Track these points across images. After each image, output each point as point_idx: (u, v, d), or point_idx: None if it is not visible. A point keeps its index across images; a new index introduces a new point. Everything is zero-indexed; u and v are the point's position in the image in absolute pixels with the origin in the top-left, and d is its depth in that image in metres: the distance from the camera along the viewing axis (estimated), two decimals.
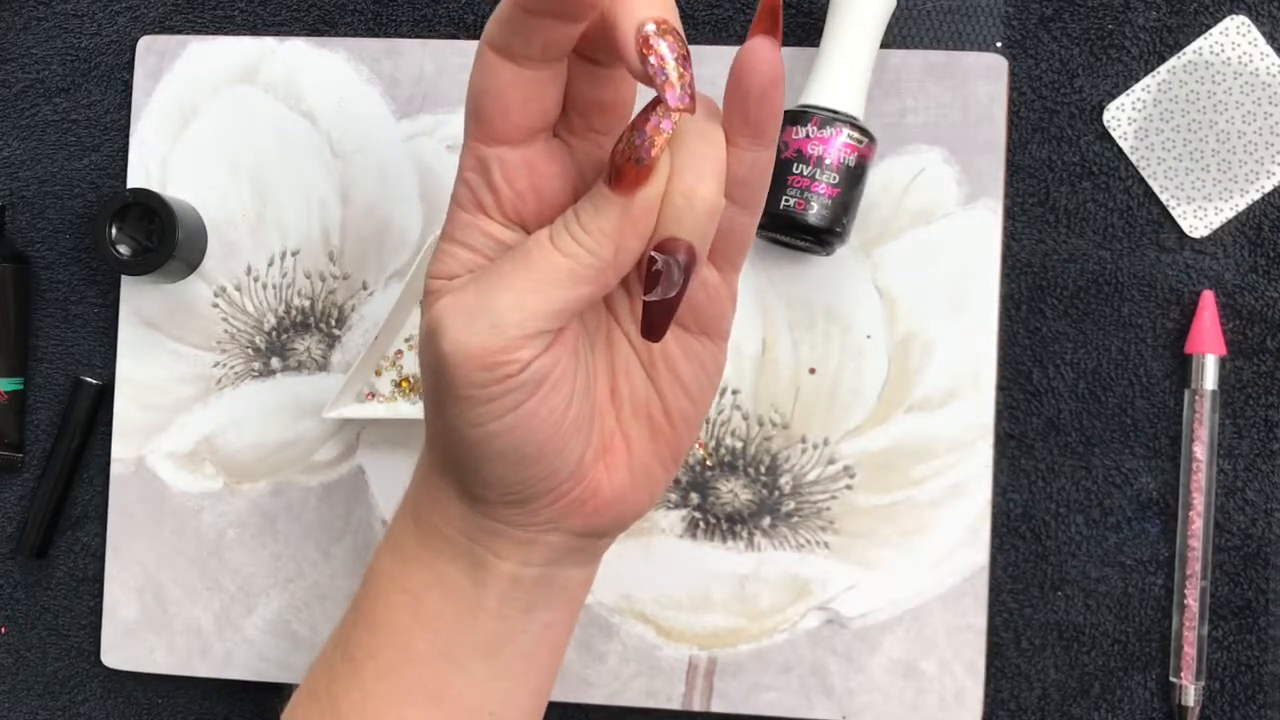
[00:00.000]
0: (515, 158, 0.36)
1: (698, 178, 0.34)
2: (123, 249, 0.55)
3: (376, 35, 0.58)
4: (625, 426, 0.40)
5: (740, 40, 0.56)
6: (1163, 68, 0.55)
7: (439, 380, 0.36)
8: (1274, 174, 0.54)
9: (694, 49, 0.56)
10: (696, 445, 0.55)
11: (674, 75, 0.32)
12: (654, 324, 0.35)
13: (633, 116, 0.35)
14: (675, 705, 0.55)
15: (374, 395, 0.56)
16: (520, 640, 0.41)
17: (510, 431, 0.36)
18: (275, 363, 0.57)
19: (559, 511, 0.39)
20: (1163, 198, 0.55)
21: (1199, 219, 0.54)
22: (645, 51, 0.33)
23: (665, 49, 0.32)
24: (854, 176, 0.51)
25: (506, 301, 0.35)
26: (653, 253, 0.34)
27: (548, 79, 0.35)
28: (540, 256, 0.35)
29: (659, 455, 0.40)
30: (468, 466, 0.38)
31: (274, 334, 0.57)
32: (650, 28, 0.33)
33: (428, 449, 0.41)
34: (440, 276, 0.37)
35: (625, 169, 0.34)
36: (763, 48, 0.33)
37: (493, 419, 0.36)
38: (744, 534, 0.55)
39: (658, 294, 0.35)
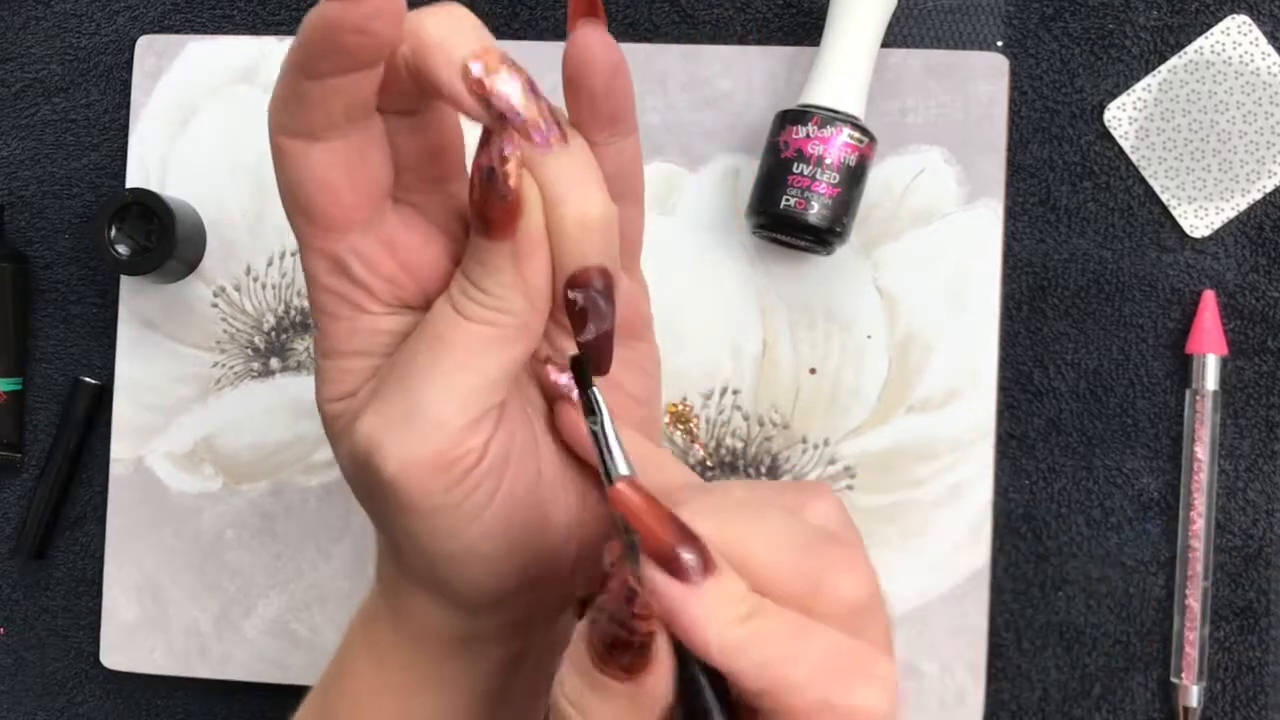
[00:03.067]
0: (370, 243, 0.31)
1: (581, 197, 0.30)
2: (122, 249, 0.55)
3: None
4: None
5: (739, 40, 0.56)
6: (1163, 67, 0.55)
7: (392, 511, 0.32)
8: (1275, 174, 0.54)
9: (693, 48, 0.56)
10: (697, 445, 0.55)
11: (530, 113, 0.29)
12: (600, 359, 0.32)
13: (463, 145, 0.32)
14: None
15: None
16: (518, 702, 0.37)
17: (492, 529, 0.32)
18: (275, 363, 0.57)
19: (566, 579, 0.35)
20: (1163, 197, 0.55)
21: (1200, 219, 0.54)
22: (482, 94, 0.29)
23: (504, 85, 0.29)
24: (854, 176, 0.51)
25: (438, 393, 0.30)
26: (570, 293, 0.31)
27: (367, 141, 0.30)
28: (453, 333, 0.31)
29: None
30: (452, 579, 0.33)
31: (273, 334, 0.57)
32: (475, 67, 0.28)
33: (392, 564, 0.35)
34: (338, 398, 0.33)
35: (492, 213, 0.30)
36: (592, 37, 0.30)
37: (471, 520, 0.32)
38: None
39: (591, 331, 0.31)
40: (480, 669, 0.36)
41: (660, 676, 0.27)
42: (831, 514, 0.31)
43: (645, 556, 0.27)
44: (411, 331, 0.32)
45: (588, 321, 0.31)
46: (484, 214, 0.30)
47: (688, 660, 0.28)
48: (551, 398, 0.35)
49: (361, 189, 0.31)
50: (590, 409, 0.31)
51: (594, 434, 0.30)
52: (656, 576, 0.27)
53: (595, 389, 0.31)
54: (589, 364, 0.32)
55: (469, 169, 0.31)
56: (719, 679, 0.28)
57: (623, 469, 0.30)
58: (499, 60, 0.29)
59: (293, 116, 0.29)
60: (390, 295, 0.32)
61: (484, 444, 0.31)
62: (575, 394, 0.33)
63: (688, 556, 0.27)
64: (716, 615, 0.27)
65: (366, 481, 0.32)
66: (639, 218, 0.35)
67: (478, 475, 0.31)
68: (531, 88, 0.29)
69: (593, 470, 0.35)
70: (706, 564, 0.27)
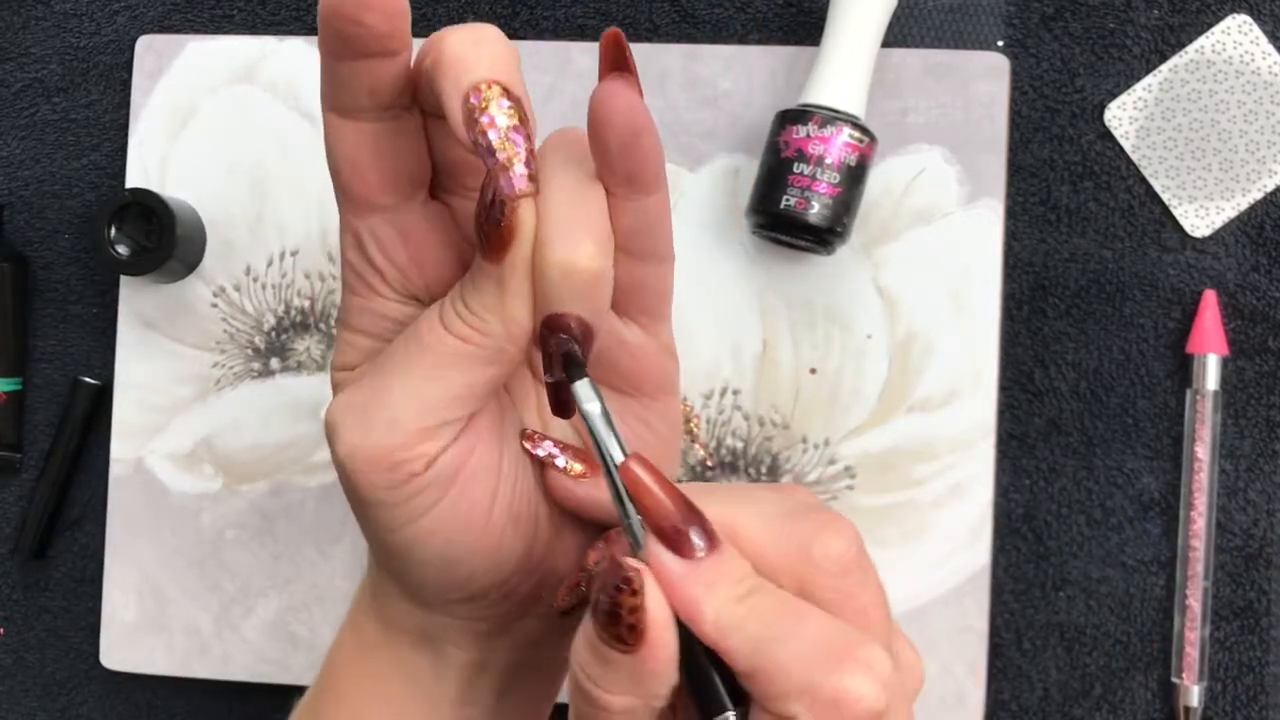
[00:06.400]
0: (389, 229, 0.32)
1: (571, 247, 0.29)
2: (121, 249, 0.55)
3: None
4: None
5: (739, 40, 0.56)
6: (1164, 67, 0.55)
7: (345, 485, 0.33)
8: (1275, 173, 0.54)
9: (693, 48, 0.56)
10: (697, 446, 0.55)
11: (504, 155, 0.28)
12: (560, 402, 0.32)
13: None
14: None
15: None
16: None
17: (430, 535, 0.32)
18: (274, 363, 0.57)
19: (520, 604, 0.35)
20: (1164, 197, 0.54)
21: (1200, 218, 0.54)
22: (471, 126, 0.28)
23: (495, 120, 0.28)
24: (855, 176, 0.51)
25: (401, 393, 0.31)
26: (543, 332, 0.30)
27: (395, 130, 0.31)
28: (432, 340, 0.31)
29: None
30: (396, 571, 0.34)
31: (273, 334, 0.57)
32: (475, 97, 0.28)
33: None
34: (343, 368, 0.34)
35: (489, 234, 0.29)
36: (615, 93, 0.29)
37: (407, 522, 0.32)
38: None
39: (556, 374, 0.31)
40: (441, 670, 0.36)
41: (658, 652, 0.28)
42: (808, 497, 0.32)
43: (650, 532, 0.28)
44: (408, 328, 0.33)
45: (555, 365, 0.31)
46: (483, 233, 0.30)
47: (694, 644, 0.28)
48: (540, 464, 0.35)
49: (386, 174, 0.32)
50: (584, 396, 0.31)
51: (587, 423, 0.30)
52: (660, 552, 0.28)
53: (586, 379, 0.30)
54: (553, 403, 0.32)
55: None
56: (726, 665, 0.28)
57: (618, 455, 0.30)
58: (498, 93, 0.28)
59: (329, 91, 0.31)
60: (399, 284, 0.33)
61: (434, 453, 0.31)
62: (560, 460, 0.34)
63: (693, 532, 0.28)
64: (715, 592, 0.28)
65: (333, 456, 0.33)
66: (667, 275, 0.34)
67: (420, 481, 0.31)
68: (518, 128, 0.28)
69: (575, 519, 0.35)
70: (711, 541, 0.28)
